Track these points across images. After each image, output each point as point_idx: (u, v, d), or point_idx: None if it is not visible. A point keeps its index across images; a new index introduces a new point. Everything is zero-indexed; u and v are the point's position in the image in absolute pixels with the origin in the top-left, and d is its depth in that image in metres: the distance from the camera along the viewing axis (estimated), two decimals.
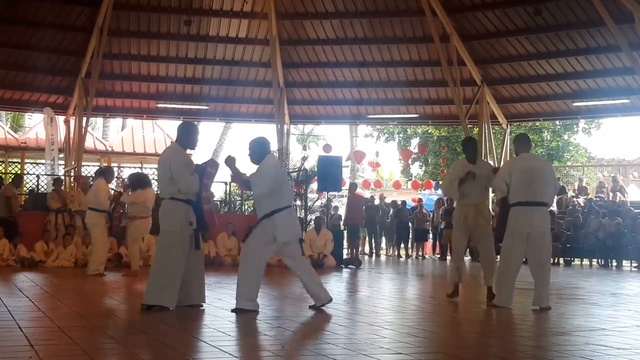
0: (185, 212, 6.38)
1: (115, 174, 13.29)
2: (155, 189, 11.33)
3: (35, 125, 26.02)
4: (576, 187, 21.03)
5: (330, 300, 6.63)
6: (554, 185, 7.30)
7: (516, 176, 6.89)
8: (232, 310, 6.21)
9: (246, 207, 20.95)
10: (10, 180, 15.46)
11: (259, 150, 6.50)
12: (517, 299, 7.22)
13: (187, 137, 6.63)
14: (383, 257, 19.64)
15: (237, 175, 6.65)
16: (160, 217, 6.55)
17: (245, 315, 6.07)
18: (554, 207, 19.10)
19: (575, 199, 19.53)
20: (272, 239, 6.35)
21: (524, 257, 7.10)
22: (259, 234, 6.38)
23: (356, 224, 17.09)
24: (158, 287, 6.25)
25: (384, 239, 20.95)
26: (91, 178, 15.65)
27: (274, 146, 21.80)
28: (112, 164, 24.99)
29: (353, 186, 18.46)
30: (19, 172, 21.79)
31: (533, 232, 6.86)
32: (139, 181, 11.37)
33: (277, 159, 6.95)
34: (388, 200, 22.17)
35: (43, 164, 21.30)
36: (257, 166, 6.49)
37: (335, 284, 10.48)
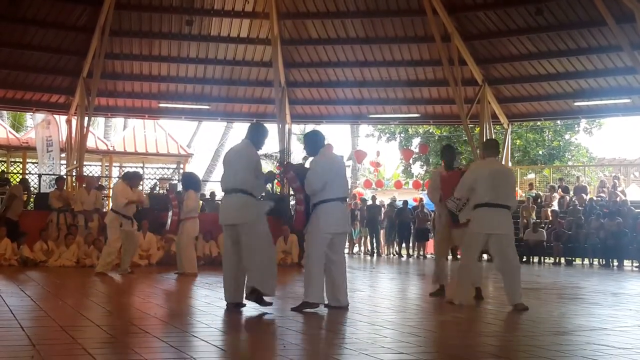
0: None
1: (141, 178, 13.05)
2: None
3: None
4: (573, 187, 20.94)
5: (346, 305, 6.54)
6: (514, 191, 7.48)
7: (482, 179, 6.92)
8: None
9: None
10: (18, 180, 16.12)
11: (311, 144, 6.68)
12: None
13: (258, 138, 6.71)
14: (384, 256, 19.64)
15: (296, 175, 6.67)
16: (246, 210, 6.42)
17: (247, 315, 6.09)
18: (555, 207, 19.08)
19: (575, 199, 19.47)
20: (318, 230, 6.40)
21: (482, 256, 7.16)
22: (311, 231, 6.45)
23: None
24: (270, 276, 6.42)
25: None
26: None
27: (274, 146, 21.88)
28: (114, 164, 25.04)
29: None
30: (20, 171, 21.91)
31: (495, 234, 6.87)
32: (192, 181, 11.44)
33: (330, 152, 6.83)
34: (386, 200, 22.15)
35: (37, 164, 21.47)
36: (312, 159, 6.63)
37: None
